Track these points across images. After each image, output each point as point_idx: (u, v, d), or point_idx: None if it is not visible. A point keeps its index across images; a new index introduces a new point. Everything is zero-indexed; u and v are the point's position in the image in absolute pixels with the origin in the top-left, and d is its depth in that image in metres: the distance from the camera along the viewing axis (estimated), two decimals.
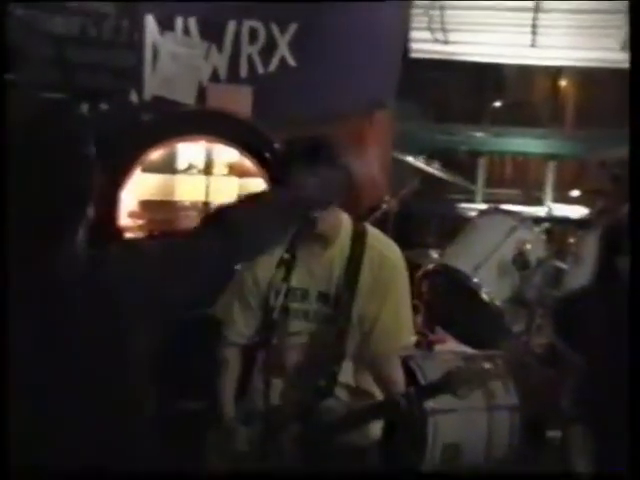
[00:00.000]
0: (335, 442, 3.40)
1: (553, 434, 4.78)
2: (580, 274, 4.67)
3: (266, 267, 3.38)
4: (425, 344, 5.13)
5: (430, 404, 4.29)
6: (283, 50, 5.64)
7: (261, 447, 3.37)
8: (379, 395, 3.43)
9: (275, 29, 5.62)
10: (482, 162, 6.14)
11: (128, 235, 5.18)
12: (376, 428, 3.48)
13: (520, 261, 4.78)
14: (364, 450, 3.45)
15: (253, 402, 3.42)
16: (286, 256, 3.34)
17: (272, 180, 5.05)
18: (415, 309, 4.64)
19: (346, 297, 3.31)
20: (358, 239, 3.36)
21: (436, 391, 3.25)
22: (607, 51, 5.85)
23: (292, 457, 3.32)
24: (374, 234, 3.41)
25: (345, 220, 3.37)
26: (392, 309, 3.36)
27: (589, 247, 4.65)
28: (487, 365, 3.28)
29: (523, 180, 6.32)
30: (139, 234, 5.22)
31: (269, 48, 5.62)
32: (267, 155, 5.02)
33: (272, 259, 3.36)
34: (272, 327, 3.35)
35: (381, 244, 3.40)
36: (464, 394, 3.25)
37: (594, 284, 4.29)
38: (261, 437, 3.37)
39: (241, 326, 3.46)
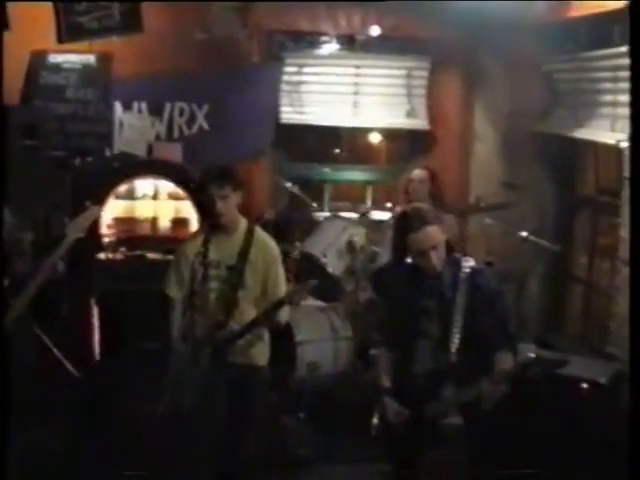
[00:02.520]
0: (238, 355, 3.23)
1: (373, 352, 4.94)
2: (385, 254, 4.78)
3: (192, 248, 3.31)
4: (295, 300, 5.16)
5: (298, 337, 4.44)
6: (200, 120, 5.60)
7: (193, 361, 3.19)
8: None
9: (195, 107, 5.59)
10: (328, 187, 6.08)
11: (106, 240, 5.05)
12: (266, 355, 3.42)
13: (350, 248, 4.90)
14: (261, 367, 3.40)
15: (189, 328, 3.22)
16: (206, 240, 3.28)
17: (195, 202, 5.10)
18: (288, 280, 4.69)
19: (240, 268, 3.28)
20: (250, 233, 3.35)
21: (281, 303, 3.21)
22: (397, 118, 5.90)
23: (208, 371, 3.18)
24: (260, 231, 3.42)
25: (242, 220, 3.37)
26: (274, 278, 3.37)
27: (388, 238, 4.71)
28: (306, 284, 3.20)
29: (353, 197, 6.33)
30: (113, 239, 5.11)
31: (191, 119, 5.57)
32: (192, 185, 4.95)
33: (196, 242, 3.30)
34: (195, 292, 3.21)
35: (264, 238, 3.41)
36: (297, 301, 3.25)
37: (393, 260, 4.37)
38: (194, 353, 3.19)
39: (177, 287, 3.35)
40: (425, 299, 2.93)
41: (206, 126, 5.60)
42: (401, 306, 3.00)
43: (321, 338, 4.57)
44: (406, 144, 6.21)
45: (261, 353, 3.41)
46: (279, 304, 3.23)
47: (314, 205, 5.36)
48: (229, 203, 3.24)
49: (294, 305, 3.35)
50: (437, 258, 2.89)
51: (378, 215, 5.52)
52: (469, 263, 2.91)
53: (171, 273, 3.39)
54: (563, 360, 3.04)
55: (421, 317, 2.94)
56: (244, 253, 3.27)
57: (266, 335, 3.42)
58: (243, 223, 3.36)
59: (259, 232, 3.38)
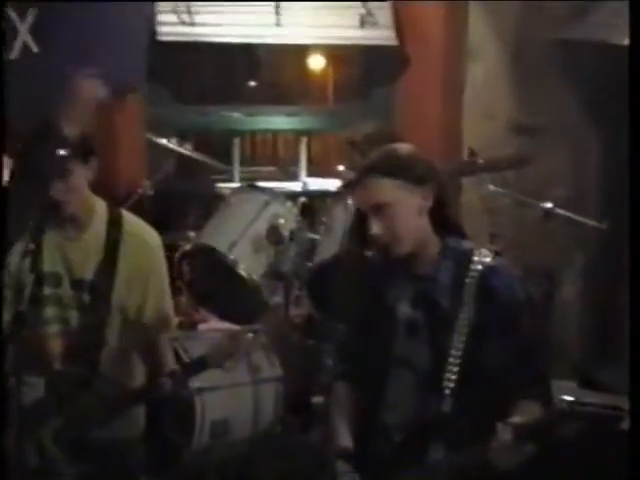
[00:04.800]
0: (98, 435, 3.31)
1: (317, 400, 4.95)
2: (331, 243, 4.75)
3: (15, 254, 3.25)
4: (188, 324, 5.16)
5: (196, 383, 4.30)
6: (24, 36, 5.47)
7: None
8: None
9: (15, 16, 5.44)
10: (236, 142, 6.14)
11: None
12: (139, 419, 3.49)
13: (274, 235, 4.81)
14: (129, 442, 3.45)
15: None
16: (31, 246, 3.19)
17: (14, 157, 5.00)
18: (178, 290, 4.65)
19: (104, 285, 3.30)
20: (114, 224, 3.35)
21: (201, 367, 3.26)
22: (347, 29, 5.95)
23: (54, 454, 3.25)
24: (131, 220, 3.42)
25: (99, 204, 3.37)
26: (156, 295, 3.40)
27: (338, 217, 4.78)
28: (248, 335, 3.30)
29: (279, 157, 6.35)
30: None
31: (11, 34, 5.42)
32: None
33: (19, 250, 3.23)
34: (21, 319, 3.15)
35: (138, 229, 3.42)
36: (229, 367, 3.29)
37: (346, 251, 4.42)
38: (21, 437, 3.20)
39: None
40: (406, 309, 3.01)
41: (34, 46, 5.49)
42: (365, 321, 3.10)
43: (232, 382, 4.51)
44: (361, 70, 6.31)
45: (129, 416, 3.45)
46: (198, 366, 3.29)
47: (220, 172, 5.54)
48: (74, 182, 3.27)
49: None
50: (388, 230, 2.92)
51: (318, 183, 5.62)
52: (481, 258, 2.96)
53: None
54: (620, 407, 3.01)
55: (398, 337, 3.01)
56: (110, 258, 3.33)
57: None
58: (101, 209, 3.39)
59: (129, 220, 3.44)
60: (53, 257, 3.33)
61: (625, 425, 3.44)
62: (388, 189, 2.92)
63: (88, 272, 3.33)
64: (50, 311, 3.34)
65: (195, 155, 5.43)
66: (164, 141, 5.39)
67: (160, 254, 3.46)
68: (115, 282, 3.32)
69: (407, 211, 2.94)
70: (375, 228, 2.93)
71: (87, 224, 3.35)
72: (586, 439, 3.21)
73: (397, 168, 2.94)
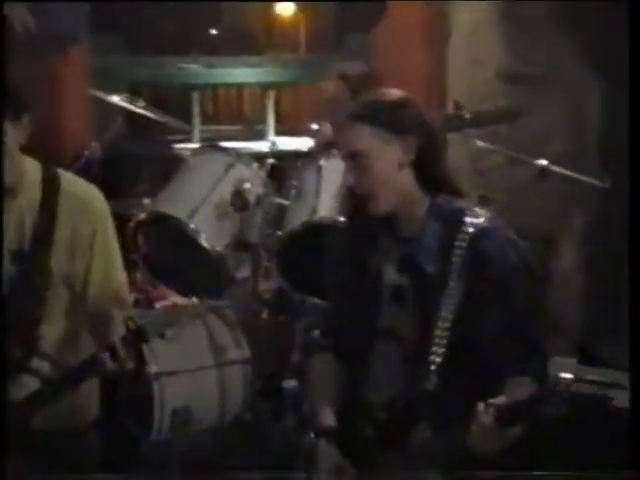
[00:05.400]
0: (45, 425, 3.28)
1: (289, 383, 4.99)
2: (303, 209, 4.74)
3: None
4: (145, 302, 5.17)
5: (154, 368, 4.41)
6: None
7: None
8: None
9: None
10: (196, 97, 6.14)
11: None
12: (92, 406, 3.50)
13: (238, 201, 4.80)
14: (80, 433, 3.45)
15: None
16: None
17: None
18: (133, 265, 4.65)
19: (41, 253, 3.27)
20: (49, 186, 3.31)
21: (140, 337, 3.22)
22: None
23: None
24: (70, 179, 3.38)
25: (30, 165, 3.32)
26: (103, 264, 3.36)
27: (310, 180, 4.77)
28: (191, 302, 3.28)
29: (244, 114, 6.36)
30: None
31: None
32: None
33: None
34: None
35: (80, 190, 3.37)
36: (171, 336, 3.31)
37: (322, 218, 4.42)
38: None
39: None
40: (391, 275, 3.05)
41: None
42: (346, 290, 3.15)
43: (195, 365, 4.57)
44: (332, 16, 6.32)
45: (81, 402, 3.44)
46: (137, 335, 3.21)
47: (177, 131, 5.55)
48: (6, 150, 3.20)
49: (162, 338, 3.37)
50: (362, 183, 2.97)
51: (288, 143, 5.68)
52: (473, 219, 2.97)
53: None
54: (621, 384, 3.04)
55: (384, 306, 3.05)
56: (45, 223, 3.30)
57: None
58: (32, 169, 3.35)
59: (69, 181, 3.39)
60: None
61: (625, 403, 3.50)
62: (365, 136, 2.96)
63: (24, 242, 3.29)
64: None
65: (149, 113, 5.41)
66: (114, 98, 5.38)
67: (107, 218, 3.42)
68: (53, 250, 3.29)
69: (384, 163, 2.97)
70: (348, 179, 2.99)
71: (17, 189, 3.29)
72: (579, 421, 3.30)
73: (379, 114, 2.98)
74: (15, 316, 3.27)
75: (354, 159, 2.97)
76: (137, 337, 3.20)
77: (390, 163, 2.96)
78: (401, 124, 2.97)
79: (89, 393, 3.46)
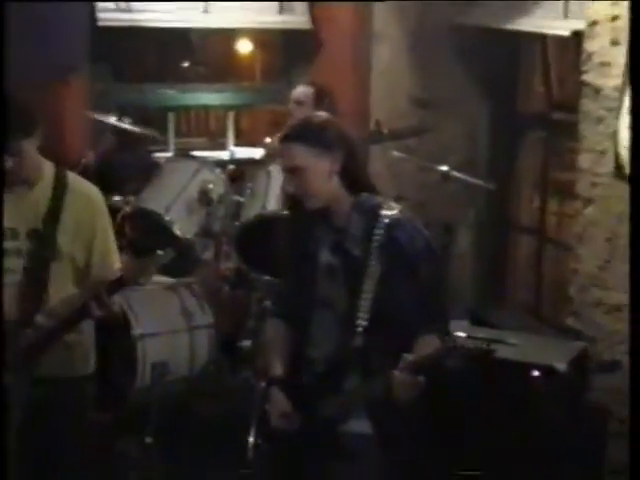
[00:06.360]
0: (48, 366, 3.22)
1: (244, 344, 4.97)
2: (255, 205, 4.77)
3: None
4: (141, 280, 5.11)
5: (138, 330, 4.42)
6: None
7: None
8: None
9: None
10: (171, 116, 6.10)
11: None
12: (91, 361, 3.43)
13: (204, 198, 4.82)
14: (83, 379, 3.39)
15: None
16: None
17: None
18: (120, 249, 4.61)
19: (48, 232, 3.23)
20: (59, 181, 3.28)
21: (119, 285, 3.15)
22: (270, 14, 5.92)
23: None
24: (75, 178, 3.36)
25: (47, 165, 3.30)
26: (101, 242, 3.32)
27: (261, 182, 4.77)
28: (157, 254, 3.19)
29: (211, 130, 6.31)
30: None
31: None
32: None
33: None
34: None
35: (82, 187, 3.34)
36: (144, 282, 3.34)
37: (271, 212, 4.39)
38: None
39: None
40: (326, 256, 3.02)
41: None
42: (291, 268, 3.12)
43: (170, 328, 4.56)
44: (281, 52, 6.29)
45: (81, 358, 3.39)
46: (116, 285, 3.16)
47: (156, 143, 5.44)
48: (25, 155, 3.18)
49: (136, 285, 3.35)
50: (301, 189, 2.95)
51: (244, 152, 5.62)
52: (388, 212, 2.95)
53: None
54: (501, 341, 3.06)
55: (321, 281, 3.03)
56: (54, 209, 3.25)
57: (88, 329, 3.38)
58: (49, 168, 3.31)
59: (74, 179, 3.36)
60: (10, 214, 3.24)
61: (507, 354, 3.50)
62: (301, 154, 2.90)
63: (38, 224, 3.25)
64: (10, 262, 3.24)
65: (133, 128, 5.29)
66: (108, 118, 5.30)
67: (103, 209, 3.38)
68: (59, 230, 3.25)
69: (317, 174, 2.92)
70: (289, 187, 2.96)
71: (35, 182, 3.26)
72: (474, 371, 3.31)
73: (310, 135, 2.92)
74: (27, 279, 3.23)
75: (293, 173, 2.93)
76: (118, 285, 3.17)
77: (322, 173, 2.92)
78: (328, 141, 2.92)
79: (87, 351, 3.41)
